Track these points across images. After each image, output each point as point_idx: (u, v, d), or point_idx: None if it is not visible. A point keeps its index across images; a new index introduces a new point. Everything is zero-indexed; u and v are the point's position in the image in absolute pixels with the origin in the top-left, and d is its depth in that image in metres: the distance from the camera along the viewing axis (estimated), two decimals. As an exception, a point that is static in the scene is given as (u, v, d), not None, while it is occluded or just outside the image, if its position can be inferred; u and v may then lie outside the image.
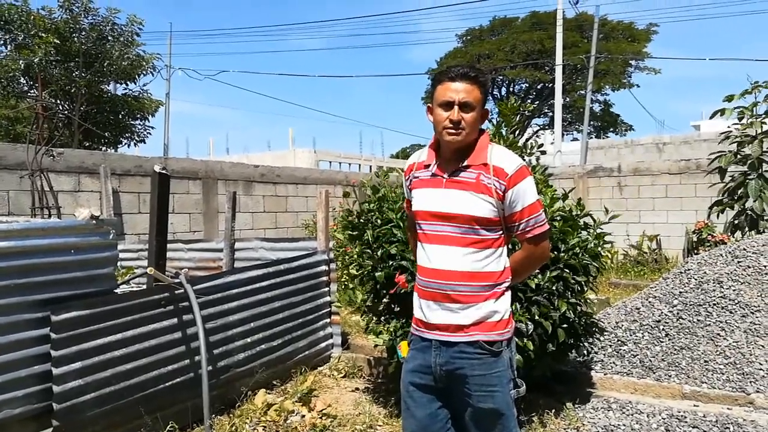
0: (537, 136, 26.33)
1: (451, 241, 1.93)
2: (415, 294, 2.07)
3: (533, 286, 3.25)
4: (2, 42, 11.90)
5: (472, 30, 27.69)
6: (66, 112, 12.01)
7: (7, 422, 2.72)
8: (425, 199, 2.00)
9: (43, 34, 11.25)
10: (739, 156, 7.54)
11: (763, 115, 7.37)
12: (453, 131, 1.90)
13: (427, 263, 1.99)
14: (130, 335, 3.17)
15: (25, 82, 11.99)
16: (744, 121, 7.50)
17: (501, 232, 1.97)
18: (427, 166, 2.03)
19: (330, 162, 25.49)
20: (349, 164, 26.51)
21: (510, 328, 1.99)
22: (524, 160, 4.29)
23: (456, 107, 1.89)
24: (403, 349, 2.16)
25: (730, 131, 7.66)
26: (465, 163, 1.94)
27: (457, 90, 1.89)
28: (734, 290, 4.63)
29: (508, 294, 2.00)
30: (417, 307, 2.05)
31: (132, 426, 3.15)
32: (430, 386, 2.02)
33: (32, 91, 12.10)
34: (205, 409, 3.18)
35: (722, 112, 7.52)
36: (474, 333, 1.92)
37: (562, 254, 3.43)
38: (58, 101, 12.26)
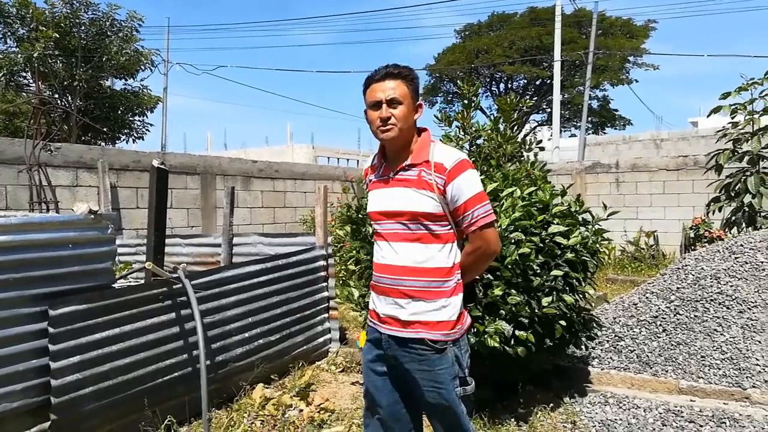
0: (534, 133, 26.26)
1: (400, 238, 2.00)
2: (371, 288, 2.16)
3: (535, 282, 3.25)
4: (2, 35, 11.85)
5: (470, 25, 27.55)
6: (64, 106, 11.97)
7: (6, 416, 2.72)
8: (375, 200, 2.09)
9: (42, 28, 11.21)
10: (736, 153, 7.55)
11: (761, 112, 7.37)
12: (384, 128, 1.97)
13: (380, 259, 2.06)
14: (128, 330, 3.17)
15: (24, 76, 11.95)
16: (737, 118, 7.51)
17: (449, 227, 2.01)
18: (378, 169, 2.12)
19: (328, 158, 25.46)
20: (348, 160, 26.49)
21: (458, 330, 2.01)
22: (523, 155, 4.29)
23: (384, 105, 1.95)
24: (362, 339, 2.24)
25: (727, 128, 7.67)
26: (409, 162, 2.01)
27: (384, 89, 1.96)
28: (731, 286, 4.64)
29: (460, 296, 2.04)
30: (371, 300, 2.14)
31: (130, 420, 3.15)
32: (390, 374, 2.10)
33: (31, 86, 12.05)
34: (203, 404, 3.18)
35: (718, 109, 7.52)
36: (419, 330, 1.97)
37: (563, 250, 3.43)
38: (57, 96, 12.22)
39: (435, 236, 1.98)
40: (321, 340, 4.75)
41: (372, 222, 2.11)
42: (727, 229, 7.73)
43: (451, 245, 2.02)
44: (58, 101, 12.04)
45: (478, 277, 2.75)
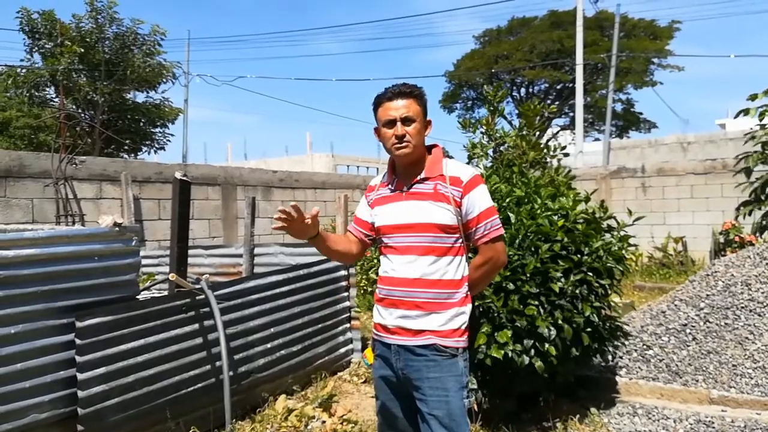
0: (556, 137, 25.94)
1: (414, 251, 2.03)
2: (376, 302, 2.18)
3: (556, 290, 3.19)
4: (29, 50, 12.18)
5: (489, 31, 27.39)
6: (88, 120, 12.23)
7: (34, 426, 2.76)
8: (388, 214, 2.11)
9: (68, 43, 11.49)
10: (765, 155, 7.36)
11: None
12: (400, 145, 2.02)
13: (391, 273, 2.08)
14: (152, 341, 3.20)
15: (49, 90, 12.26)
16: (766, 120, 7.31)
17: (461, 239, 2.06)
18: (388, 185, 2.16)
19: (348, 166, 25.50)
20: (367, 168, 26.49)
21: (465, 339, 2.06)
22: (547, 161, 4.24)
23: (398, 123, 2.01)
24: (369, 356, 2.24)
25: (756, 131, 7.48)
26: (422, 176, 2.06)
27: (397, 107, 2.02)
28: (763, 293, 4.52)
29: (469, 306, 2.08)
30: (377, 314, 2.15)
31: (154, 431, 3.18)
32: (401, 392, 2.12)
33: (55, 100, 12.35)
34: (226, 415, 3.19)
35: (746, 111, 7.34)
36: (429, 337, 2.01)
37: (586, 257, 3.37)
38: (81, 109, 12.49)
39: (447, 249, 2.02)
40: (343, 350, 4.73)
41: (381, 236, 2.13)
42: (758, 234, 7.53)
43: (461, 258, 2.07)
44: (82, 115, 12.31)
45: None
